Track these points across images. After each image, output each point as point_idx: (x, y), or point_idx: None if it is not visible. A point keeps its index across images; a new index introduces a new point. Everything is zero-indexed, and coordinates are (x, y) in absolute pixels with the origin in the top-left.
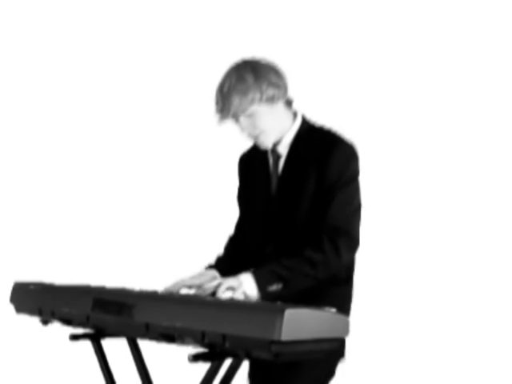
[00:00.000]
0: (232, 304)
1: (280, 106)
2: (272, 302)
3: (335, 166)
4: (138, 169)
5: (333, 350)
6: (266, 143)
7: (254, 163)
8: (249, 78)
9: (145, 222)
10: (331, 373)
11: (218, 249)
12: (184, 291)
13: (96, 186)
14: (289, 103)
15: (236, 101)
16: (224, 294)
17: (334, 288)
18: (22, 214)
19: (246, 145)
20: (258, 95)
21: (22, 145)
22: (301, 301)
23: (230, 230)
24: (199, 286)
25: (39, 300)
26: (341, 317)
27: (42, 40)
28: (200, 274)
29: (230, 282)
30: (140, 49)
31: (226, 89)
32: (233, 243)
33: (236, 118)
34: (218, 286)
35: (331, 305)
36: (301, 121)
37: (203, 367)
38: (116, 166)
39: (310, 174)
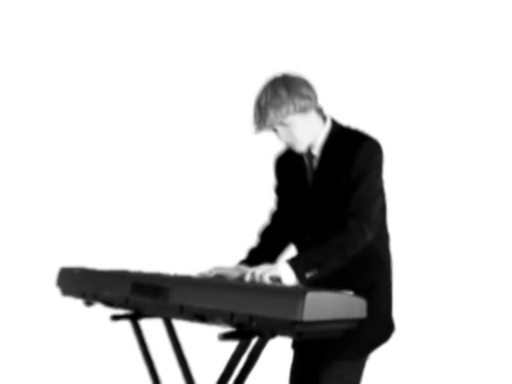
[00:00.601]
0: (258, 287)
1: (312, 114)
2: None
3: (361, 159)
4: (175, 158)
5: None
6: (302, 148)
7: (289, 163)
8: (282, 93)
9: (179, 212)
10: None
11: (247, 238)
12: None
13: (134, 176)
14: (319, 110)
15: (272, 114)
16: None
17: (370, 268)
18: (68, 207)
19: (268, 142)
20: (291, 108)
21: (64, 140)
22: (344, 280)
23: (257, 220)
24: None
25: (83, 284)
26: (358, 299)
27: (42, 41)
28: (234, 269)
29: (270, 270)
30: (153, 50)
31: (262, 103)
32: (268, 232)
33: (273, 128)
34: (260, 274)
35: (369, 282)
36: (330, 124)
37: (232, 345)
38: (151, 156)
39: (340, 168)
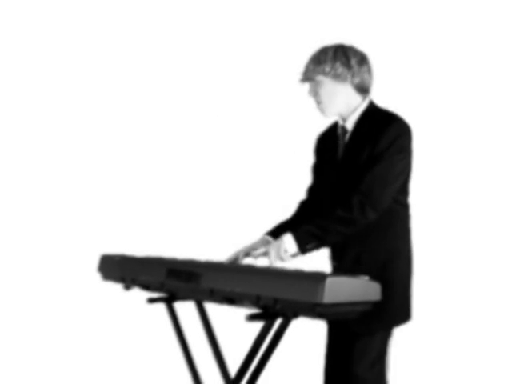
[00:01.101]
0: (282, 272)
1: (348, 86)
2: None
3: (386, 138)
4: (209, 144)
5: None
6: (325, 112)
7: (326, 141)
8: (329, 54)
9: (207, 202)
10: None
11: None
12: (245, 260)
13: (166, 168)
14: (362, 88)
15: (310, 67)
16: (275, 261)
17: (374, 241)
18: (107, 200)
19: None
20: (327, 69)
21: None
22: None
23: (283, 202)
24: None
25: (122, 269)
26: (373, 283)
27: (43, 42)
28: (259, 242)
29: (274, 248)
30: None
31: (311, 55)
32: (304, 206)
33: (307, 81)
34: (267, 254)
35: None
36: (367, 104)
37: (258, 326)
38: (186, 143)
39: (367, 143)
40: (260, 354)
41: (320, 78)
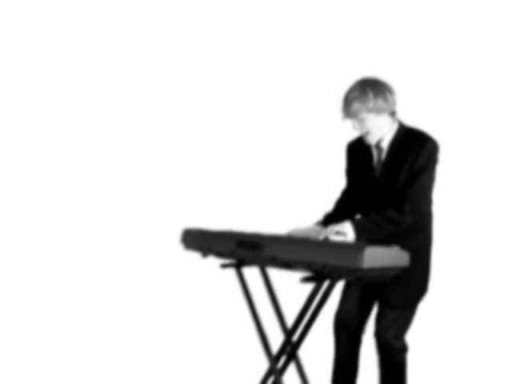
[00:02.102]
0: (330, 243)
1: (385, 116)
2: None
3: (424, 156)
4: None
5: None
6: (371, 141)
7: (359, 151)
8: (369, 93)
9: (269, 181)
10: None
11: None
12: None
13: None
14: (392, 113)
15: (355, 107)
16: (332, 235)
17: (413, 236)
18: (185, 181)
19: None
20: (370, 105)
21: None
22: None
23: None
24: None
25: (200, 241)
26: (402, 252)
27: (42, 42)
28: (309, 229)
29: (338, 227)
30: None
31: (350, 96)
32: (340, 204)
33: (351, 118)
34: (329, 229)
35: (412, 246)
36: (398, 125)
37: (309, 287)
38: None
39: (406, 162)
40: (311, 311)
41: (364, 115)
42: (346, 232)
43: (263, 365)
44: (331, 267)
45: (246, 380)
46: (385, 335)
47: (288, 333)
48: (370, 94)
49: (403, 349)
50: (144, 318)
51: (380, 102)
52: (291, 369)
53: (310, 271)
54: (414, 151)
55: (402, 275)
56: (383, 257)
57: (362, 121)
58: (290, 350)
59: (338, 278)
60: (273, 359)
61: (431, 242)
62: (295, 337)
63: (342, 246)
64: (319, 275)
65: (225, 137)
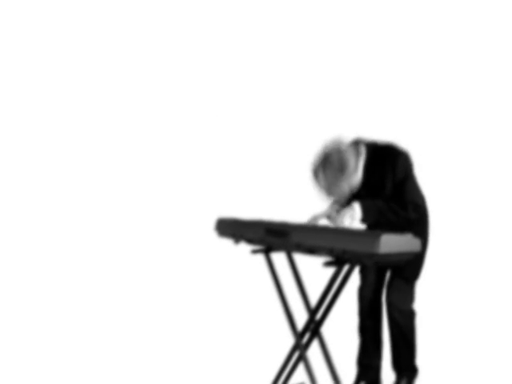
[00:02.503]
0: (349, 231)
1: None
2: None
3: (400, 171)
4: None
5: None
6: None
7: None
8: (342, 182)
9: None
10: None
11: None
12: (321, 222)
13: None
14: (358, 153)
15: (337, 194)
16: (346, 217)
17: (414, 225)
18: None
19: None
20: (348, 185)
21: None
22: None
23: None
24: (328, 217)
25: (233, 228)
26: (414, 239)
27: (42, 42)
28: (329, 207)
29: (348, 210)
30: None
31: (326, 186)
32: None
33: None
34: (342, 213)
35: (414, 232)
36: (365, 149)
37: (330, 271)
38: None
39: (386, 179)
40: (332, 292)
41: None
42: (355, 210)
43: (289, 341)
44: (351, 253)
45: (274, 355)
46: (395, 301)
47: (312, 312)
48: (344, 183)
49: (411, 313)
50: (182, 298)
51: (353, 176)
52: (314, 345)
53: (332, 256)
54: (390, 169)
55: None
56: (398, 243)
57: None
58: (314, 327)
59: (357, 262)
60: (298, 336)
61: (428, 231)
62: (318, 315)
63: (360, 233)
64: (340, 260)
65: (256, 134)
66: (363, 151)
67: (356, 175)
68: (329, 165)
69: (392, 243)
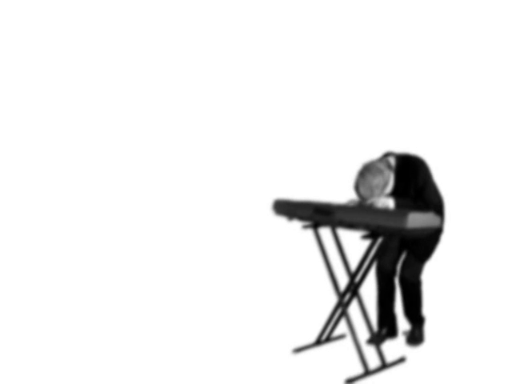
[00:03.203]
0: (382, 210)
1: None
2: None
3: (420, 178)
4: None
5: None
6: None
7: None
8: (380, 185)
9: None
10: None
11: None
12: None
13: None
14: (390, 166)
15: (376, 195)
16: (380, 205)
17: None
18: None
19: None
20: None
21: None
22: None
23: None
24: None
25: (287, 208)
26: (435, 216)
27: (42, 41)
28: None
29: (384, 200)
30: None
31: (368, 194)
32: None
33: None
34: (380, 201)
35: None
36: (394, 164)
37: (366, 243)
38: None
39: (410, 185)
40: (368, 259)
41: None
42: (389, 204)
43: (333, 300)
44: (383, 227)
45: (321, 312)
46: (407, 275)
47: (351, 276)
48: (380, 188)
49: (418, 283)
50: (245, 264)
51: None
52: (354, 304)
53: (368, 231)
54: (412, 177)
55: (424, 239)
56: (422, 220)
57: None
58: (353, 288)
59: (388, 235)
60: (340, 295)
61: (443, 222)
62: (357, 279)
63: (391, 212)
64: (374, 234)
65: (308, 123)
66: (393, 163)
67: (389, 186)
68: (367, 181)
69: (417, 220)
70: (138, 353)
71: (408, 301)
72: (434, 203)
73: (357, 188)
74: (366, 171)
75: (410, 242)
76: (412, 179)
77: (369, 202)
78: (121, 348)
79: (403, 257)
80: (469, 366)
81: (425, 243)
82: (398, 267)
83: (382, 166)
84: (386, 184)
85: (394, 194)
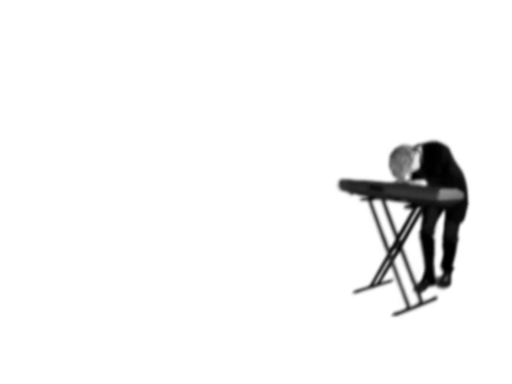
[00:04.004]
0: (421, 187)
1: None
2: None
3: (443, 157)
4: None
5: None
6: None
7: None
8: (407, 162)
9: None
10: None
11: None
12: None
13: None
14: (416, 151)
15: (406, 173)
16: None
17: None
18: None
19: None
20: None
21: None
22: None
23: None
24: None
25: (348, 185)
26: (459, 191)
27: (42, 41)
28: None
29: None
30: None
31: (398, 170)
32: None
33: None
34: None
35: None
36: (421, 149)
37: (407, 212)
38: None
39: (436, 164)
40: (410, 223)
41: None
42: (421, 183)
43: (382, 254)
44: (421, 200)
45: (373, 263)
46: (447, 234)
47: (397, 235)
48: (406, 164)
49: (456, 240)
50: (312, 228)
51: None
52: (398, 257)
53: (410, 202)
54: (437, 157)
55: (457, 206)
56: (449, 194)
57: (409, 172)
58: (398, 245)
59: (425, 206)
60: (388, 250)
61: (467, 190)
62: (401, 237)
63: (427, 188)
64: (414, 204)
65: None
66: (420, 150)
67: (414, 164)
68: (397, 160)
69: (446, 194)
70: (155, 341)
71: (447, 254)
72: (456, 177)
73: (389, 165)
74: (396, 152)
75: (447, 209)
76: (437, 159)
77: (401, 176)
78: (134, 338)
79: (444, 221)
80: (486, 306)
81: (458, 209)
82: (437, 229)
83: (408, 148)
84: (411, 162)
85: (425, 172)
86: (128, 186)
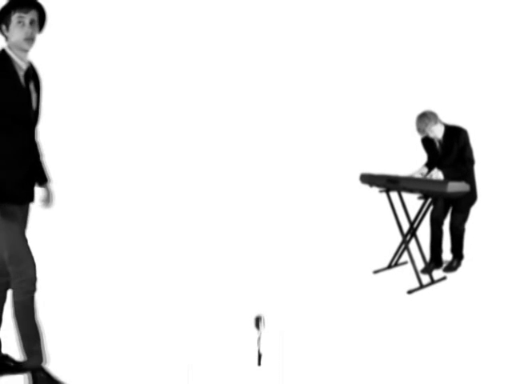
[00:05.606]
0: (431, 180)
1: (438, 124)
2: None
3: (461, 140)
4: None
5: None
6: (438, 137)
7: (430, 143)
8: (431, 121)
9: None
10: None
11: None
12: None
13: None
14: (440, 122)
15: (430, 130)
16: (435, 175)
17: (468, 176)
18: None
19: None
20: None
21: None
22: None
23: None
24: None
25: (369, 179)
26: (466, 184)
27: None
28: (418, 171)
29: (435, 172)
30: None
31: (422, 127)
32: (428, 164)
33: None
34: (432, 172)
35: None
36: (444, 127)
37: (420, 202)
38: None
39: (454, 145)
40: (423, 211)
41: (433, 128)
42: (439, 176)
43: (398, 239)
44: (432, 191)
45: (390, 247)
46: (455, 222)
47: (411, 223)
48: (432, 121)
49: (463, 229)
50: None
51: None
52: (413, 241)
53: (422, 193)
54: (456, 139)
55: (464, 196)
56: (457, 186)
57: (432, 132)
58: (412, 231)
59: (435, 197)
60: (404, 235)
61: (475, 179)
62: (415, 224)
63: (437, 181)
64: (426, 195)
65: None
66: (442, 126)
67: (438, 128)
68: (423, 119)
69: (454, 186)
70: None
71: (455, 241)
72: (471, 160)
73: (416, 123)
74: (422, 114)
75: (456, 200)
76: (455, 141)
77: (426, 133)
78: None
79: (452, 210)
80: (492, 289)
81: (466, 200)
82: (445, 218)
83: (435, 113)
84: (436, 124)
85: (444, 152)
86: (128, 186)
